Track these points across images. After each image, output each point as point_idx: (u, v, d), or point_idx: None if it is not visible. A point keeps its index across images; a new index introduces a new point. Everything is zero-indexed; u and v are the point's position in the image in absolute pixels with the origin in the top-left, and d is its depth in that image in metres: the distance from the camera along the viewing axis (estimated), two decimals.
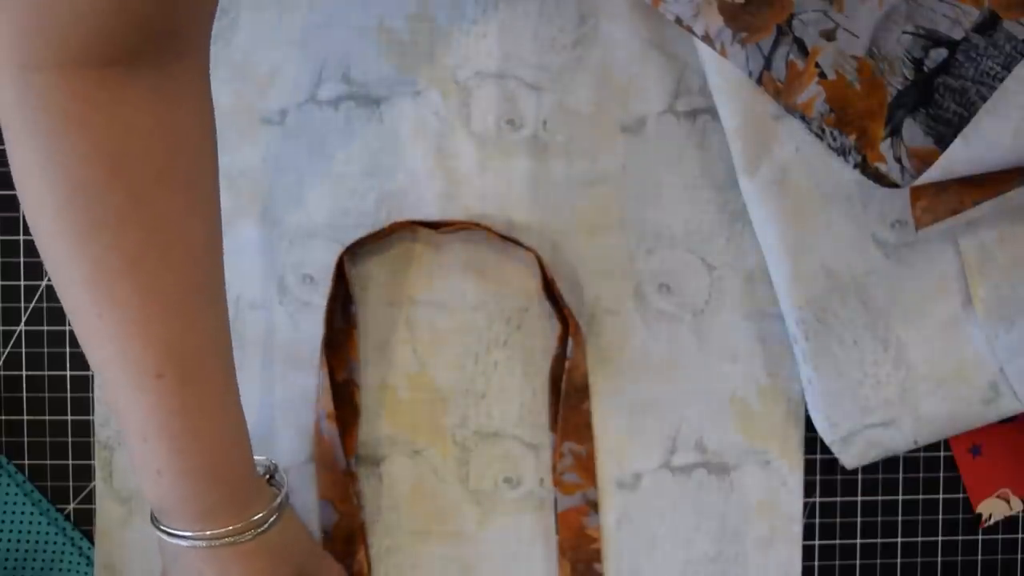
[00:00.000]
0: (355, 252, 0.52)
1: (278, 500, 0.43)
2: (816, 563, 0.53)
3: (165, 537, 0.42)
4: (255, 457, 0.43)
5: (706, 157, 0.52)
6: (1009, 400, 0.51)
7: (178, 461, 0.39)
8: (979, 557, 0.54)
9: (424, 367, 0.52)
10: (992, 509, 0.54)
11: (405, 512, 0.52)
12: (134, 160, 0.36)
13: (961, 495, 0.54)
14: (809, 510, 0.53)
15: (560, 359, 0.51)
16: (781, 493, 0.52)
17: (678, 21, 0.51)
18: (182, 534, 0.41)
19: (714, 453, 0.52)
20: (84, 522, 0.52)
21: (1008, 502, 0.54)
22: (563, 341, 0.51)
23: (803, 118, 0.50)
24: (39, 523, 0.52)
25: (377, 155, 0.52)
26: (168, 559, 0.43)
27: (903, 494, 0.54)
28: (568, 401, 0.51)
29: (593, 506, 0.51)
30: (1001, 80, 0.47)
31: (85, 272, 0.36)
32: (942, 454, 0.54)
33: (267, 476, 0.46)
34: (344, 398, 0.51)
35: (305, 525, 0.47)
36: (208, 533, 0.41)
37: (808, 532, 0.53)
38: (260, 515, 0.42)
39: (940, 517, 0.54)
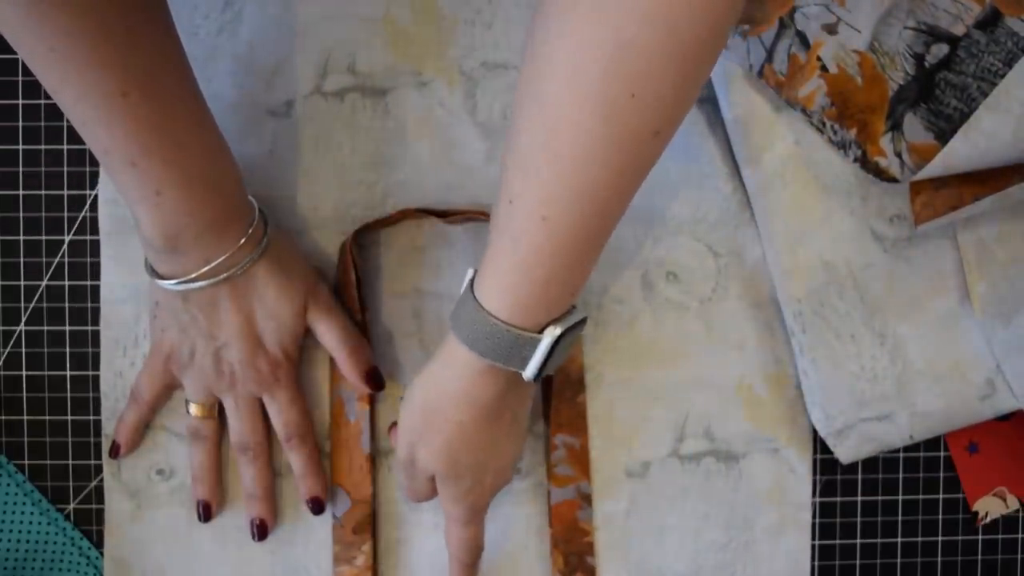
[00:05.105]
0: (361, 243, 0.52)
1: (257, 208, 0.47)
2: (816, 563, 0.55)
3: (179, 287, 0.45)
4: None
5: (714, 145, 0.53)
6: (1006, 397, 0.53)
7: (174, 173, 0.42)
8: (979, 557, 0.55)
9: None
10: (988, 507, 0.55)
11: (413, 504, 0.52)
12: None
13: (961, 495, 0.55)
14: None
15: None
16: (790, 480, 0.54)
17: None
18: (196, 274, 0.44)
19: (722, 441, 0.53)
20: (84, 522, 0.53)
21: (1004, 500, 0.55)
22: None
23: (804, 111, 0.51)
24: (39, 523, 0.52)
25: (383, 146, 0.52)
26: (170, 312, 0.47)
27: (903, 494, 0.55)
28: (562, 393, 0.52)
29: (587, 499, 0.52)
30: (1002, 76, 0.49)
31: (21, 11, 0.37)
32: (942, 454, 0.55)
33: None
34: None
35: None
36: (221, 260, 0.44)
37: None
38: (255, 226, 0.46)
39: (940, 517, 0.55)
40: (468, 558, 0.49)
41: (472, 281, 0.42)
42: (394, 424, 0.51)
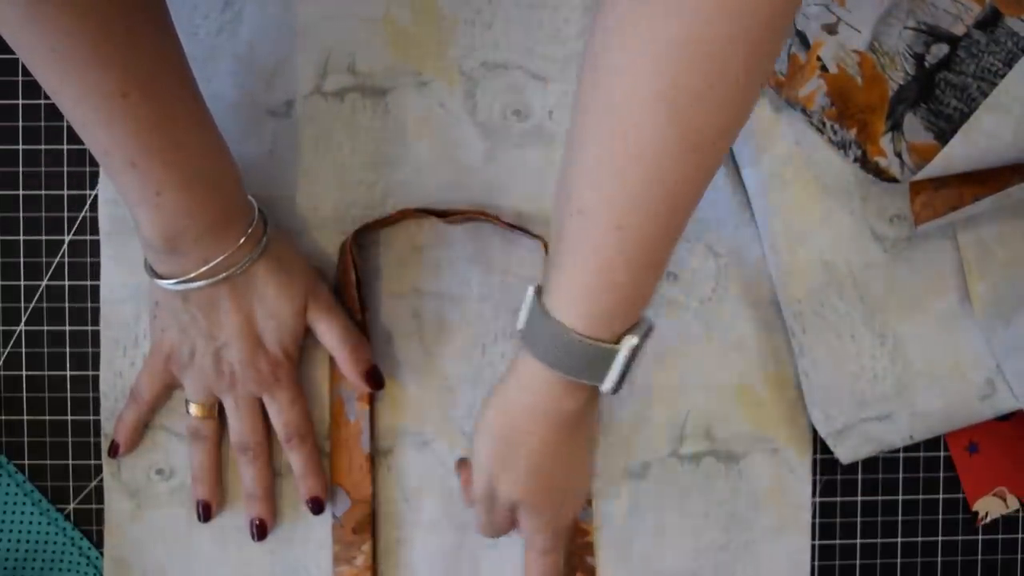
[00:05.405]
0: (361, 243, 0.52)
1: (257, 208, 0.47)
2: (816, 563, 0.55)
3: (179, 287, 0.45)
4: None
5: None
6: (1006, 397, 0.53)
7: (174, 174, 0.42)
8: (979, 557, 0.55)
9: (431, 358, 0.53)
10: (988, 507, 0.55)
11: (413, 504, 0.52)
12: None
13: (961, 495, 0.55)
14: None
15: None
16: (790, 480, 0.54)
17: None
18: (196, 274, 0.44)
19: (722, 441, 0.53)
20: (84, 522, 0.53)
21: (1004, 500, 0.55)
22: None
23: (804, 111, 0.51)
24: (39, 523, 0.52)
25: (383, 146, 0.52)
26: (170, 312, 0.47)
27: (903, 494, 0.55)
28: None
29: (587, 499, 0.52)
30: (1002, 76, 0.49)
31: (21, 11, 0.37)
32: (942, 454, 0.55)
33: None
34: None
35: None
36: (220, 260, 0.44)
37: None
38: (255, 225, 0.46)
39: (940, 517, 0.55)
40: None
41: (537, 297, 0.41)
42: (462, 461, 0.50)
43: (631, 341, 0.40)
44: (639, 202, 0.37)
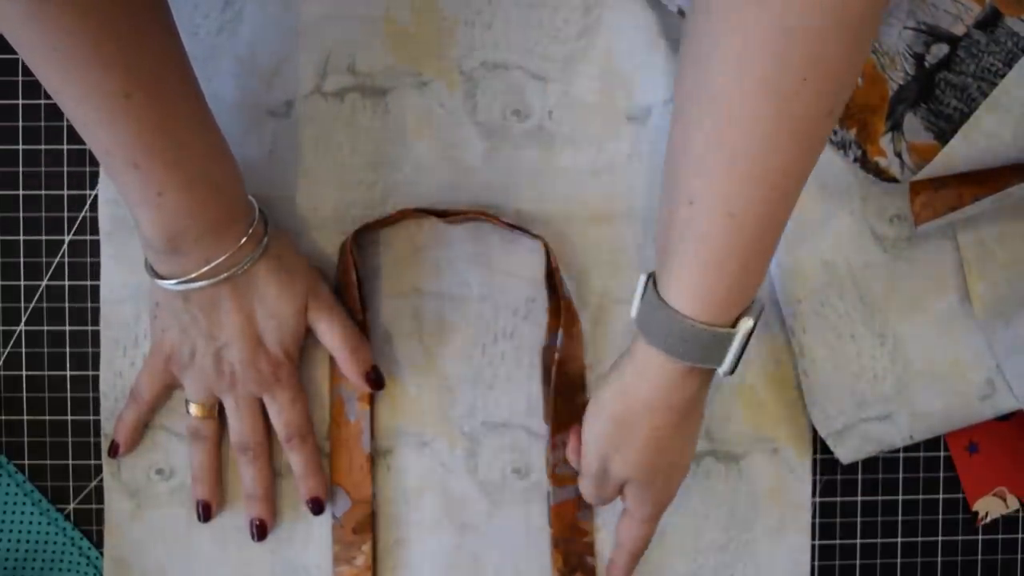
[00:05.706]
0: (361, 243, 0.52)
1: (257, 208, 0.47)
2: (816, 563, 0.55)
3: (180, 287, 0.45)
4: None
5: None
6: (1006, 397, 0.53)
7: (175, 175, 0.42)
8: (979, 557, 0.56)
9: (431, 358, 0.53)
10: (988, 507, 0.55)
11: (413, 504, 0.52)
12: None
13: (961, 495, 0.55)
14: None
15: (550, 350, 0.52)
16: (790, 480, 0.54)
17: (681, 13, 0.51)
18: (197, 274, 0.45)
19: (722, 441, 0.53)
20: (84, 522, 0.53)
21: (1004, 500, 0.55)
22: (552, 332, 0.52)
23: None
24: (39, 523, 0.52)
25: (383, 146, 0.52)
26: (171, 312, 0.47)
27: (903, 494, 0.55)
28: (563, 393, 0.52)
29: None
30: (1002, 76, 0.49)
31: (22, 10, 0.37)
32: (942, 454, 0.55)
33: None
34: None
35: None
36: (221, 260, 0.45)
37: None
38: (256, 226, 0.46)
39: (940, 517, 0.55)
40: (639, 551, 0.49)
41: (651, 286, 0.42)
42: (568, 432, 0.50)
43: (747, 324, 0.41)
44: (749, 189, 0.38)
